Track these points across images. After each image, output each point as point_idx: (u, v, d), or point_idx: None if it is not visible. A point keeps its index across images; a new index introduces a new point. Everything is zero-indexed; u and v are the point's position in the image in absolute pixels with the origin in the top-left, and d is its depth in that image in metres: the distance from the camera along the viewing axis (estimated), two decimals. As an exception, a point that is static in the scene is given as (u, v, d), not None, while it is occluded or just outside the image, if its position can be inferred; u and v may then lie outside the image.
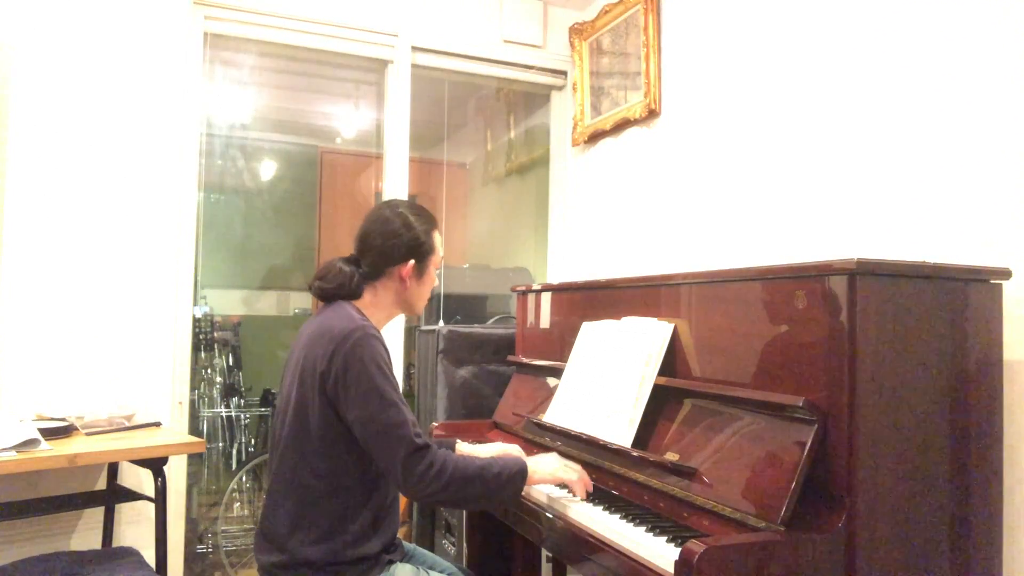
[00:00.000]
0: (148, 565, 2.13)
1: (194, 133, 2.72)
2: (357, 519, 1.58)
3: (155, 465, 2.17)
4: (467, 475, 1.54)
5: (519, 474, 1.61)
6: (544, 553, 2.60)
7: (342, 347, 1.54)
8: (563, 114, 3.46)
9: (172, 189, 2.59)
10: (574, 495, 1.69)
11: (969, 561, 1.43)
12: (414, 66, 3.13)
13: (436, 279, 1.80)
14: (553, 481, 1.69)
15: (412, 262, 1.71)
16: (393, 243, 1.70)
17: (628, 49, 2.91)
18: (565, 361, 2.09)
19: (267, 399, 3.62)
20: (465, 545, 2.46)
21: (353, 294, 1.70)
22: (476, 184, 4.29)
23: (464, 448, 1.97)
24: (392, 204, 1.79)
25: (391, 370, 1.59)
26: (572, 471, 1.69)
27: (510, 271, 3.45)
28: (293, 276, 4.16)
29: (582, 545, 1.54)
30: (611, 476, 1.76)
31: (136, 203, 2.53)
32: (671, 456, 1.59)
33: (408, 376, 3.14)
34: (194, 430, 2.94)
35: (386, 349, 1.61)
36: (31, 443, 1.95)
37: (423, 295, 1.78)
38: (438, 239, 1.78)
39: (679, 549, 1.23)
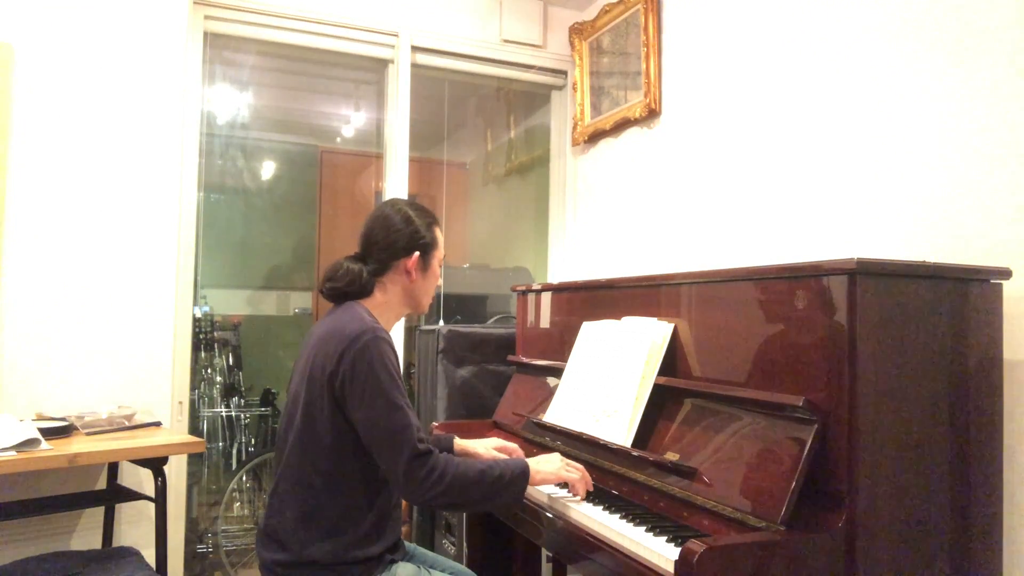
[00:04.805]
0: (148, 565, 2.13)
1: (194, 133, 2.72)
2: (361, 520, 1.58)
3: (155, 465, 2.17)
4: (468, 479, 1.54)
5: (521, 476, 1.61)
6: (544, 553, 2.60)
7: (351, 348, 1.54)
8: (563, 114, 3.46)
9: (172, 189, 2.59)
10: (575, 494, 1.70)
11: (969, 561, 1.43)
12: (414, 66, 3.12)
13: (440, 276, 1.81)
14: (556, 481, 1.69)
15: (416, 255, 1.72)
16: (395, 237, 1.71)
17: (628, 49, 2.91)
18: (565, 361, 2.09)
19: (267, 399, 3.62)
20: (465, 545, 2.46)
21: (364, 291, 1.71)
22: (476, 184, 4.29)
23: (462, 443, 1.98)
24: (392, 202, 1.81)
25: (399, 373, 1.59)
26: (574, 470, 1.70)
27: (510, 271, 3.45)
28: (293, 276, 4.16)
29: (582, 545, 1.55)
30: (611, 476, 1.76)
31: (136, 203, 2.53)
32: (671, 456, 1.59)
33: (408, 376, 3.14)
34: (194, 430, 2.94)
35: (395, 352, 1.61)
36: (31, 443, 1.95)
37: (428, 290, 1.79)
38: (439, 234, 1.79)
39: (679, 549, 1.23)
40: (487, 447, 1.95)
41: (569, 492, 1.74)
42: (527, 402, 2.29)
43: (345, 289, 1.70)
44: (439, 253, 1.79)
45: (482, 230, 4.33)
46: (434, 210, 1.85)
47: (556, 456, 1.73)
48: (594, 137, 3.18)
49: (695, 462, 1.53)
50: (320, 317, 1.80)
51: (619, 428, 1.75)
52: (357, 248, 1.77)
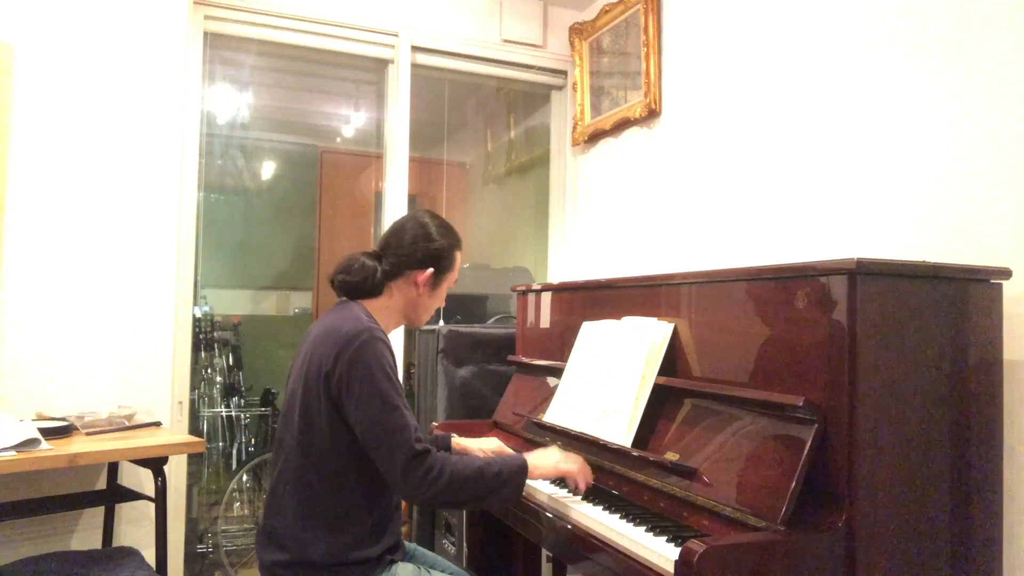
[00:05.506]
0: (148, 565, 2.13)
1: (194, 133, 2.72)
2: (361, 520, 1.58)
3: (155, 465, 2.17)
4: (466, 476, 1.54)
5: (519, 471, 1.61)
6: (544, 553, 2.60)
7: (348, 348, 1.54)
8: (563, 114, 3.46)
9: (172, 189, 2.59)
10: (576, 489, 1.70)
11: (969, 561, 1.43)
12: (414, 66, 3.12)
13: (443, 300, 1.82)
14: (554, 474, 1.69)
15: (430, 271, 1.72)
16: (415, 248, 1.72)
17: (628, 49, 2.91)
18: (565, 361, 2.09)
19: (267, 399, 3.62)
20: (465, 545, 2.46)
21: (373, 291, 1.71)
22: (476, 184, 4.29)
23: (460, 442, 1.99)
24: (422, 213, 1.81)
25: (396, 373, 1.59)
26: (573, 463, 1.70)
27: (510, 271, 3.45)
28: (293, 276, 4.16)
29: (582, 545, 1.55)
30: (611, 476, 1.76)
31: (136, 203, 2.53)
32: (671, 456, 1.59)
33: (408, 376, 3.14)
34: (194, 430, 2.94)
35: (392, 352, 1.62)
36: (31, 443, 1.95)
37: (430, 308, 1.80)
38: (458, 259, 1.80)
39: (679, 549, 1.23)
40: (483, 448, 1.96)
41: (569, 491, 1.75)
42: (527, 402, 2.29)
43: (357, 285, 1.70)
44: (452, 277, 1.79)
45: (482, 230, 4.33)
46: (434, 210, 1.85)
47: (554, 449, 1.74)
48: (594, 137, 3.18)
49: (695, 462, 1.53)
50: (319, 317, 1.81)
51: (619, 428, 1.75)
52: (374, 247, 1.78)
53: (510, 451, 1.96)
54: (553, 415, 2.02)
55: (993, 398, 1.48)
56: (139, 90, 2.54)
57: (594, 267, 3.21)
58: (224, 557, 3.21)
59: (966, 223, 1.68)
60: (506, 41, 3.27)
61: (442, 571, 1.73)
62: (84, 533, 2.43)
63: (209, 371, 3.51)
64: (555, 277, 3.45)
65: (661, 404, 1.72)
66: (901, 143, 1.85)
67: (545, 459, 1.69)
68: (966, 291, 1.46)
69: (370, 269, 1.70)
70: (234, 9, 2.81)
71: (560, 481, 1.83)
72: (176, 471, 2.61)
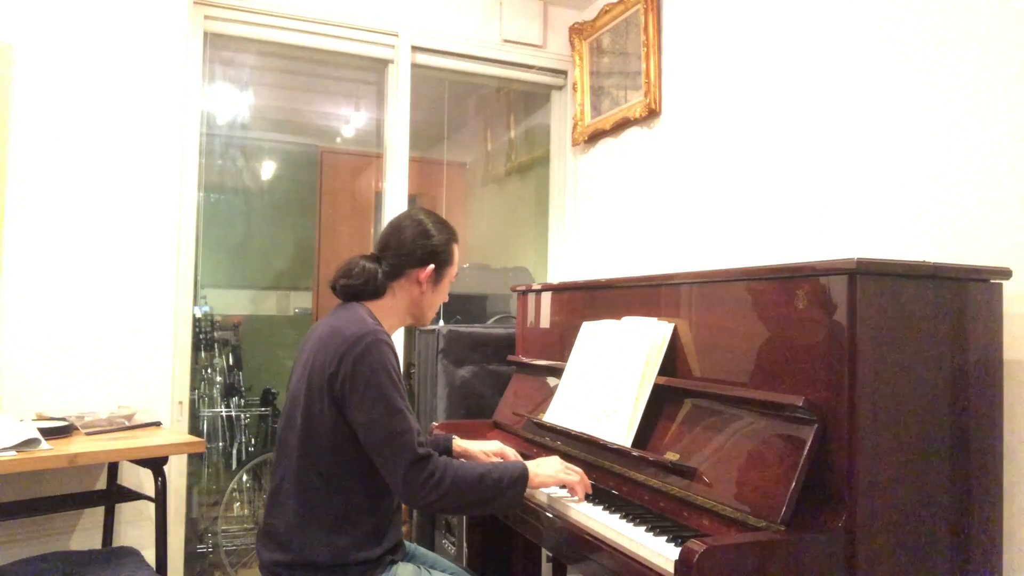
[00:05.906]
0: (148, 565, 2.13)
1: (194, 133, 2.72)
2: (362, 521, 1.58)
3: (155, 465, 2.16)
4: (467, 483, 1.54)
5: (520, 479, 1.61)
6: (544, 553, 2.60)
7: (352, 350, 1.54)
8: (563, 114, 3.46)
9: (172, 189, 2.59)
10: (574, 496, 1.70)
11: (969, 561, 1.43)
12: (414, 66, 3.13)
13: (447, 295, 1.82)
14: (555, 483, 1.69)
15: (431, 268, 1.73)
16: (413, 246, 1.72)
17: (628, 49, 2.91)
18: (565, 361, 2.09)
19: (267, 399, 3.62)
20: (465, 545, 2.46)
21: (376, 293, 1.72)
22: (476, 184, 4.29)
23: (461, 444, 1.98)
24: (416, 211, 1.82)
25: (400, 377, 1.59)
26: (573, 473, 1.70)
27: (510, 271, 3.45)
28: (293, 276, 4.16)
29: (582, 545, 1.55)
30: (611, 476, 1.76)
31: (136, 203, 2.53)
32: (671, 456, 1.59)
33: (408, 376, 3.14)
34: (194, 430, 2.94)
35: (396, 355, 1.61)
36: (31, 443, 1.95)
37: (435, 305, 1.80)
38: (456, 252, 1.80)
39: (679, 549, 1.23)
40: (485, 450, 1.96)
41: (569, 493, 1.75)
42: (527, 402, 2.29)
43: (360, 288, 1.70)
44: (452, 270, 1.80)
45: (482, 230, 4.33)
46: (434, 210, 1.86)
47: (555, 459, 1.74)
48: (594, 137, 3.18)
49: (695, 462, 1.53)
50: (320, 317, 1.81)
51: (619, 428, 1.75)
52: (372, 249, 1.78)
53: (512, 452, 1.96)
54: (553, 415, 2.02)
55: (993, 398, 1.48)
56: (139, 90, 2.54)
57: (594, 267, 3.21)
58: (224, 557, 3.21)
59: (966, 223, 1.68)
60: (506, 41, 3.27)
61: (442, 571, 1.73)
62: (84, 533, 2.43)
63: (209, 371, 3.51)
64: (555, 277, 3.45)
65: (661, 404, 1.72)
66: (901, 143, 1.85)
67: (546, 467, 1.69)
68: (966, 291, 1.46)
69: (371, 272, 1.70)
70: (234, 9, 2.81)
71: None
72: (176, 471, 2.61)
